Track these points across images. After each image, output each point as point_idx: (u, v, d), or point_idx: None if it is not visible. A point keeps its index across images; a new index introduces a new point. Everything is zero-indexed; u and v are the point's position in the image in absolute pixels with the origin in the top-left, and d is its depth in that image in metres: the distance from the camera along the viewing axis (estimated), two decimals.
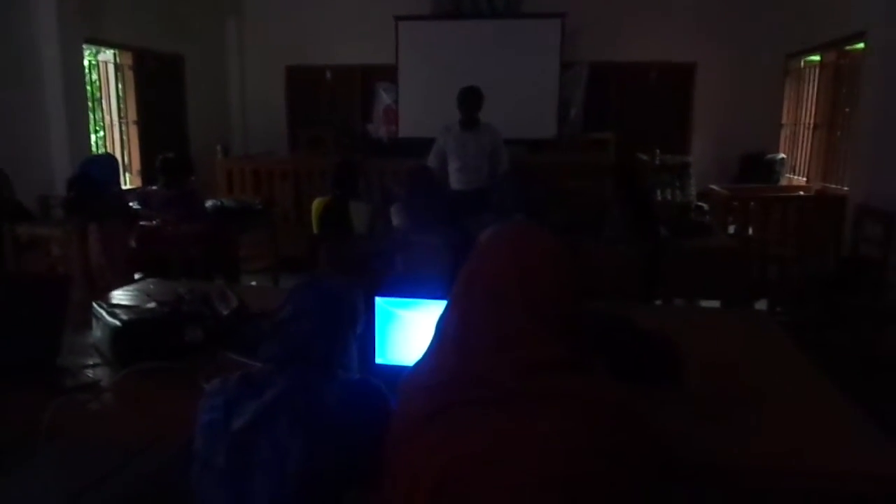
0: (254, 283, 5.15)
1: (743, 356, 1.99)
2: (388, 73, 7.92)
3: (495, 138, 4.90)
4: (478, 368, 1.10)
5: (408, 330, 1.77)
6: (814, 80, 6.97)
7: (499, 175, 4.76)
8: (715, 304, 3.84)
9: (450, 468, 1.03)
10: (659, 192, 6.63)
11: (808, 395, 1.74)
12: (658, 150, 6.99)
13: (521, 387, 1.06)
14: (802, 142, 7.21)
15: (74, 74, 5.54)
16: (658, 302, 3.61)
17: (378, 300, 1.78)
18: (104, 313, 1.96)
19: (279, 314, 1.39)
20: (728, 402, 1.65)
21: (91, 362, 1.91)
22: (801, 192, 6.50)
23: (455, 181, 4.87)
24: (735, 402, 1.65)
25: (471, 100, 4.77)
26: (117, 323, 1.88)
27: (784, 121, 7.65)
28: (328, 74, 8.50)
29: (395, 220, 3.80)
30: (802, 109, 7.27)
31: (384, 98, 8.20)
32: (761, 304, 4.37)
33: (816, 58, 6.85)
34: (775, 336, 2.24)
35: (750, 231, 5.45)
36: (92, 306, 2.05)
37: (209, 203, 4.91)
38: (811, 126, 6.92)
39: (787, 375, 1.86)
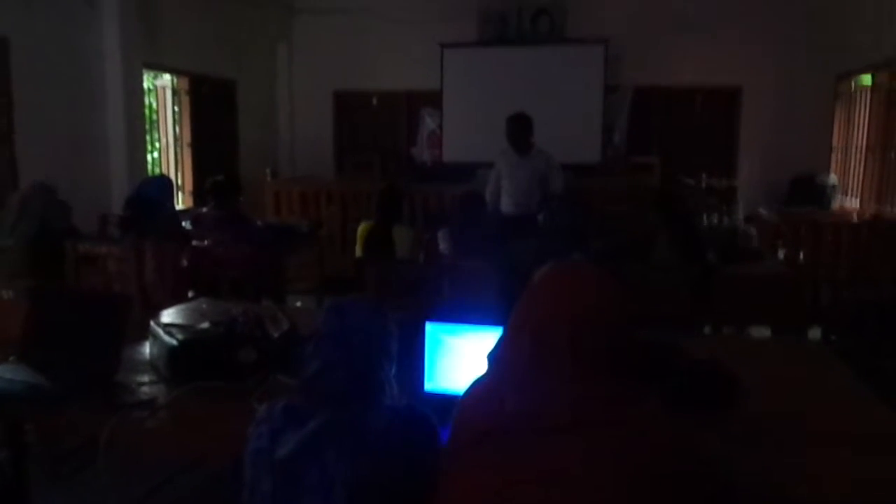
0: (299, 303, 5.22)
1: (799, 386, 1.94)
2: (433, 99, 8.01)
3: (549, 163, 4.90)
4: (529, 403, 1.11)
5: (458, 356, 1.77)
6: (866, 102, 6.80)
7: (549, 200, 4.76)
8: (766, 331, 3.75)
9: (503, 493, 1.03)
10: (705, 217, 6.51)
11: (872, 428, 1.68)
12: (704, 174, 6.89)
13: (573, 418, 1.06)
14: (855, 165, 7.02)
15: (134, 98, 5.77)
16: (707, 329, 3.55)
17: (429, 326, 1.79)
18: (161, 332, 2.02)
19: (307, 349, 1.37)
20: (785, 431, 1.61)
21: (147, 379, 1.96)
22: (855, 217, 6.32)
23: (505, 205, 4.89)
24: (792, 433, 1.61)
25: (517, 127, 4.79)
26: (174, 342, 1.93)
27: (835, 143, 7.47)
28: (374, 100, 8.64)
29: (443, 246, 3.83)
30: (854, 131, 7.09)
31: (429, 123, 8.29)
32: (814, 332, 4.25)
33: (868, 78, 6.69)
34: (832, 365, 2.18)
35: (801, 256, 5.32)
36: (149, 325, 2.12)
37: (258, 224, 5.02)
38: (864, 148, 6.74)
39: (847, 407, 1.81)
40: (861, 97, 6.97)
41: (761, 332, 3.75)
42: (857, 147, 6.97)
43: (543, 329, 1.14)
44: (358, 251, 4.04)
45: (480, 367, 1.26)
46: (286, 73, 8.67)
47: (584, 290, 1.17)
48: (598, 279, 1.18)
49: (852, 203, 6.92)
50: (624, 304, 1.17)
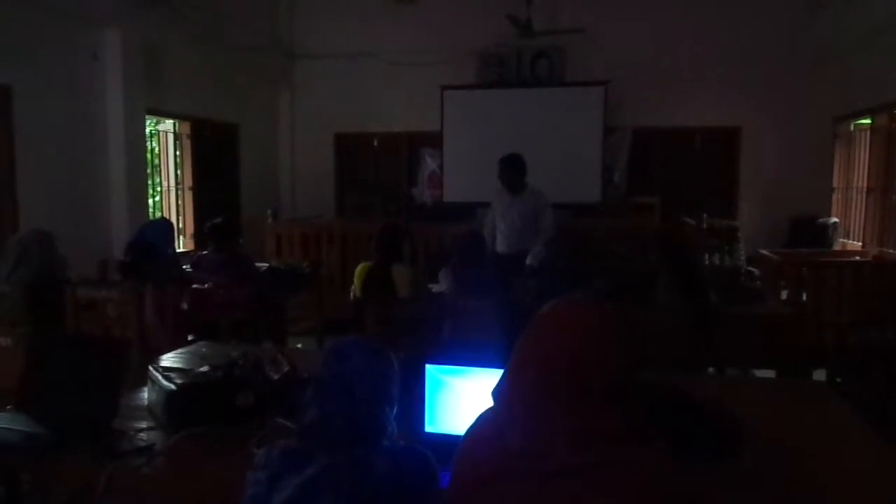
0: (299, 344, 5.18)
1: (805, 430, 1.91)
2: (434, 140, 8.09)
3: (540, 203, 4.95)
4: (531, 441, 1.09)
5: (458, 398, 1.75)
6: (865, 143, 6.86)
7: (543, 240, 4.81)
8: (770, 373, 3.71)
9: None
10: (707, 257, 6.52)
11: (874, 470, 1.66)
12: (705, 214, 6.92)
13: (577, 459, 1.04)
14: (856, 205, 7.06)
15: (136, 144, 5.84)
16: (711, 371, 3.51)
17: (429, 368, 1.77)
18: (159, 376, 2.00)
19: (307, 394, 1.35)
20: (792, 480, 1.58)
21: (145, 425, 1.94)
22: (857, 257, 6.31)
23: (500, 244, 4.95)
24: (799, 481, 1.58)
25: (509, 167, 4.88)
26: (172, 387, 1.91)
27: (835, 184, 7.51)
28: (375, 141, 8.73)
29: (443, 285, 3.82)
30: (854, 172, 7.14)
31: (429, 163, 8.36)
32: (819, 374, 4.20)
33: (867, 121, 6.77)
34: (838, 409, 2.15)
35: (804, 297, 5.30)
36: (148, 369, 2.10)
37: (259, 265, 5.02)
38: (864, 189, 6.78)
39: (854, 451, 1.78)
40: (860, 138, 7.04)
41: (765, 373, 3.71)
42: (857, 188, 7.01)
43: (551, 354, 1.13)
44: (357, 291, 4.02)
45: (481, 408, 1.25)
46: (288, 117, 8.79)
47: (590, 326, 1.16)
48: (602, 316, 1.18)
49: (854, 244, 6.93)
50: (629, 342, 1.16)
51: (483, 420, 1.22)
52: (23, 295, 3.01)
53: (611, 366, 1.12)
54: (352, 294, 4.04)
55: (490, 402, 1.22)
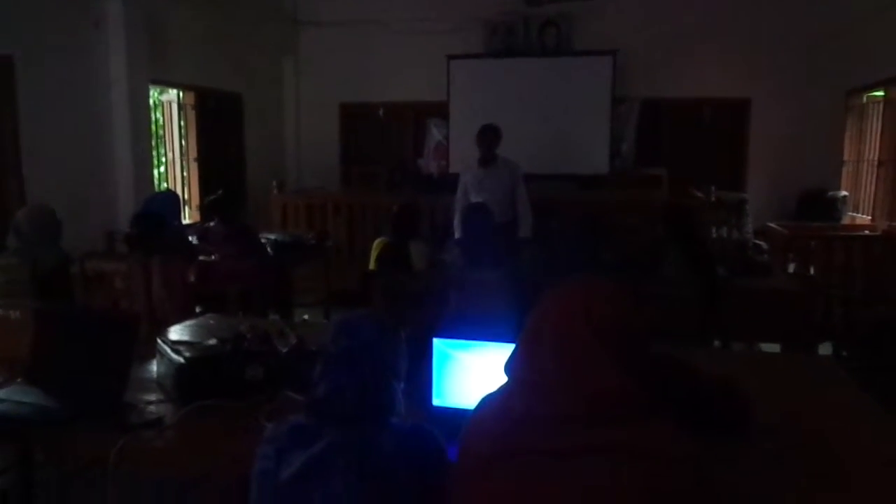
0: (306, 316, 5.21)
1: (812, 405, 1.91)
2: (440, 110, 8.02)
3: (516, 173, 5.02)
4: (547, 409, 1.09)
5: (466, 372, 1.76)
6: (878, 116, 6.77)
7: (522, 210, 4.92)
8: (775, 347, 3.71)
9: None
10: (715, 230, 6.48)
11: (882, 445, 1.66)
12: (713, 187, 6.87)
13: (591, 439, 1.04)
14: (866, 179, 6.98)
15: (140, 114, 5.78)
16: (717, 344, 3.51)
17: (436, 341, 1.77)
18: (168, 349, 2.00)
19: (315, 368, 1.35)
20: (799, 456, 1.58)
21: (154, 398, 1.95)
22: (867, 231, 6.27)
23: None
24: (807, 457, 1.58)
25: (488, 137, 4.94)
26: (181, 360, 1.92)
27: (846, 157, 7.43)
28: (381, 111, 8.66)
29: (449, 257, 3.80)
30: (865, 146, 7.05)
31: (435, 134, 8.29)
32: (825, 348, 4.20)
33: (880, 93, 6.66)
34: (844, 383, 2.14)
35: (811, 271, 5.28)
36: (156, 342, 2.10)
37: (264, 238, 5.02)
38: (875, 163, 6.70)
39: (862, 426, 1.78)
40: (872, 110, 6.93)
41: (771, 348, 3.71)
42: (868, 161, 6.93)
43: (565, 323, 1.13)
44: (372, 264, 4.03)
45: (488, 382, 1.25)
46: (293, 86, 8.70)
47: (600, 292, 1.17)
48: (616, 292, 1.18)
49: (863, 218, 6.88)
50: (642, 317, 1.16)
51: (494, 396, 1.22)
52: (30, 268, 3.01)
53: (623, 335, 1.12)
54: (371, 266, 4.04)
55: (501, 378, 1.22)
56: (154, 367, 2.11)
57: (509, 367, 1.20)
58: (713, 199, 6.65)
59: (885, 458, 1.61)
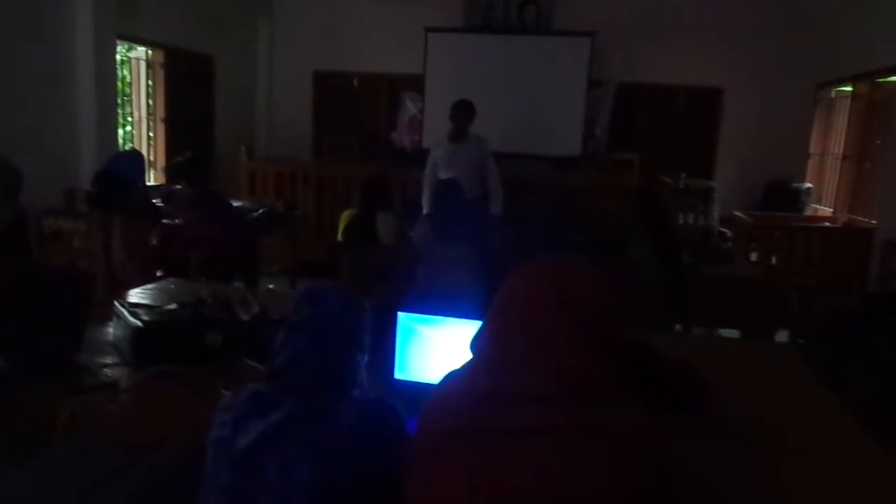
0: (271, 285, 5.16)
1: (766, 390, 1.96)
2: (415, 84, 7.93)
3: (486, 150, 5.00)
4: (513, 386, 1.08)
5: (430, 347, 1.75)
6: (844, 111, 6.89)
7: (493, 187, 4.93)
8: (734, 333, 3.78)
9: (475, 495, 1.01)
10: (681, 216, 6.57)
11: (831, 431, 1.72)
12: (683, 174, 6.94)
13: (556, 417, 1.04)
14: (830, 172, 7.13)
15: (106, 70, 5.59)
16: (678, 328, 3.56)
17: (401, 315, 1.76)
18: (125, 312, 1.96)
19: (278, 337, 1.33)
20: (750, 437, 1.62)
21: (110, 361, 1.91)
22: (827, 223, 6.41)
23: None
24: (758, 438, 1.62)
25: (461, 113, 4.91)
26: (139, 323, 1.88)
27: (812, 150, 7.57)
28: (355, 81, 8.54)
29: (419, 232, 3.80)
30: (831, 139, 7.18)
31: (410, 108, 8.21)
32: (782, 336, 4.30)
33: (848, 88, 6.77)
34: (799, 369, 2.19)
35: (773, 260, 5.38)
36: (113, 304, 2.06)
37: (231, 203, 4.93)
38: (840, 157, 6.84)
39: (812, 412, 1.83)
40: (840, 105, 7.05)
41: (730, 334, 3.78)
42: (833, 155, 7.06)
43: (533, 299, 1.12)
44: (340, 236, 3.99)
45: (452, 358, 1.24)
46: (266, 50, 8.53)
47: (570, 270, 1.15)
48: (591, 272, 1.17)
49: (825, 210, 7.03)
50: (613, 297, 1.16)
51: (458, 372, 1.21)
52: None
53: (592, 311, 1.12)
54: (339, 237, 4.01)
55: (465, 354, 1.21)
56: (111, 329, 2.06)
57: (475, 344, 1.19)
58: (682, 185, 6.73)
59: (828, 438, 1.68)
